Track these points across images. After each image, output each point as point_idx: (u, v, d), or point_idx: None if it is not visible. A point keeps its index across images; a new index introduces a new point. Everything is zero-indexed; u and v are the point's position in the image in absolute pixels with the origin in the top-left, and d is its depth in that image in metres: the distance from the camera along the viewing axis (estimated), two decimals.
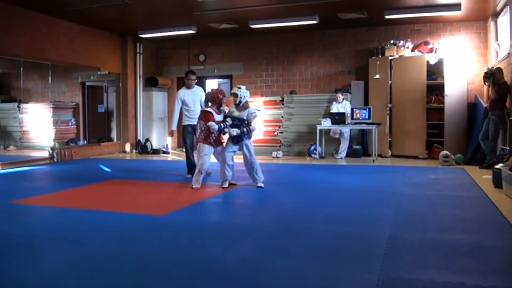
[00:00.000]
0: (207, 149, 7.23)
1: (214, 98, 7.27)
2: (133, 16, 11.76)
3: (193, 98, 8.48)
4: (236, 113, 7.25)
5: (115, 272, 3.49)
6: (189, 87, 8.59)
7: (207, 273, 3.45)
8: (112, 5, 10.19)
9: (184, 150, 8.84)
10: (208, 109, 7.19)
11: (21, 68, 13.11)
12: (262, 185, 7.27)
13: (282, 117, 12.83)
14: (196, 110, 8.30)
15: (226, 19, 11.79)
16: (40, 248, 4.18)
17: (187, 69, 14.52)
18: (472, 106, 11.11)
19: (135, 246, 4.16)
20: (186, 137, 8.48)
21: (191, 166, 8.39)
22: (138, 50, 14.30)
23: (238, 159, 7.62)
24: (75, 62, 12.44)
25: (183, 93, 8.51)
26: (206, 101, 7.46)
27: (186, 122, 8.47)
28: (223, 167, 7.26)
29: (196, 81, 8.79)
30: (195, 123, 7.94)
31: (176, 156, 13.15)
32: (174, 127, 8.70)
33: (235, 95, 7.26)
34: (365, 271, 3.43)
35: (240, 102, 7.27)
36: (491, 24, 10.99)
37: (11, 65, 13.37)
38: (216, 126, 7.03)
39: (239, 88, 7.35)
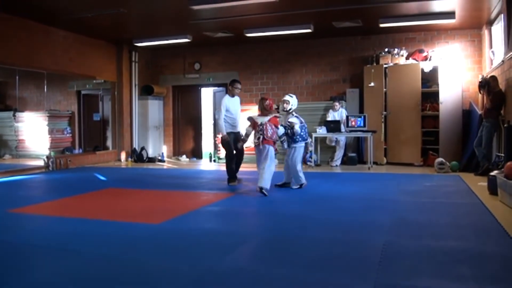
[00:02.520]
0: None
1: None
2: (129, 25, 11.78)
3: (235, 106, 8.55)
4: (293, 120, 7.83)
5: (111, 280, 3.48)
6: (233, 95, 8.59)
7: (203, 282, 3.45)
8: (108, 14, 10.20)
9: (225, 157, 8.77)
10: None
11: (17, 77, 13.10)
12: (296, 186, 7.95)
13: None
14: (237, 119, 8.53)
15: (221, 27, 11.82)
16: (36, 257, 4.17)
17: (182, 78, 14.72)
18: (467, 113, 11.14)
19: (130, 254, 4.16)
20: (230, 143, 8.42)
21: (233, 173, 8.50)
22: (133, 59, 14.31)
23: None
24: (71, 70, 12.44)
25: (228, 100, 8.46)
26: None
27: (228, 129, 8.41)
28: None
29: (240, 90, 8.86)
30: (236, 131, 8.47)
31: (171, 164, 13.13)
32: (225, 131, 8.38)
33: (286, 101, 7.91)
34: (361, 279, 3.43)
35: (290, 109, 7.92)
36: (485, 32, 11.06)
37: (7, 74, 13.35)
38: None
39: (291, 96, 8.04)
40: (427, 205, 6.41)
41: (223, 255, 4.12)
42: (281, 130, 7.60)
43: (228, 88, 8.79)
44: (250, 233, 4.98)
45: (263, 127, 7.34)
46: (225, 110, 8.34)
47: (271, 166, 7.45)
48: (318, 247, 4.34)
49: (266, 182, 7.19)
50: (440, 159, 10.27)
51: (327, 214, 5.89)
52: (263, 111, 7.63)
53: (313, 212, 6.05)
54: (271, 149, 7.49)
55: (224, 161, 8.94)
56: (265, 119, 7.45)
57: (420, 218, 5.55)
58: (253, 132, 7.64)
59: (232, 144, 8.40)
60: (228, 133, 8.36)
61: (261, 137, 7.33)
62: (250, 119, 7.76)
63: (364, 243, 4.44)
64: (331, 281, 3.41)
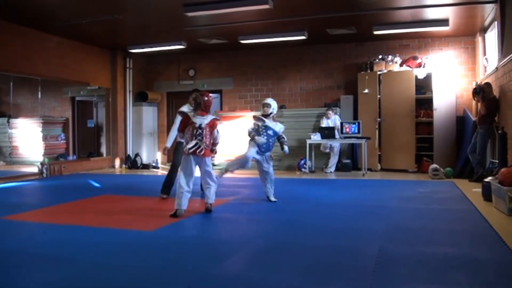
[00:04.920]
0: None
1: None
2: (123, 31, 11.78)
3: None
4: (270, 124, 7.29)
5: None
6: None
7: None
8: (102, 20, 10.20)
9: (170, 166, 8.14)
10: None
11: (11, 83, 13.05)
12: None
13: None
14: None
15: (216, 34, 11.84)
16: (30, 264, 4.14)
17: (177, 84, 14.72)
18: (461, 120, 11.18)
19: (124, 262, 4.14)
20: (180, 153, 7.55)
21: (170, 185, 7.83)
22: (128, 65, 14.31)
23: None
24: (65, 77, 12.42)
25: (186, 109, 7.53)
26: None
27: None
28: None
29: None
30: None
31: (166, 171, 13.06)
32: (169, 144, 7.88)
33: (268, 105, 7.32)
34: (356, 285, 3.43)
35: (271, 113, 7.35)
36: (479, 39, 11.11)
37: (1, 80, 13.29)
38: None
39: (272, 100, 7.46)
40: (422, 211, 6.42)
41: (217, 262, 4.11)
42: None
43: (189, 96, 7.82)
44: (245, 240, 4.96)
45: (202, 131, 6.13)
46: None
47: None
48: (312, 254, 4.32)
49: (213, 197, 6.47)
50: (434, 166, 10.29)
51: (321, 221, 5.88)
52: (201, 109, 6.31)
53: (307, 219, 6.04)
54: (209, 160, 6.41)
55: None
56: (205, 120, 6.22)
57: (414, 224, 5.56)
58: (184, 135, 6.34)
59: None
60: (182, 143, 7.21)
61: (200, 144, 6.10)
62: (182, 113, 6.61)
63: (358, 249, 4.44)
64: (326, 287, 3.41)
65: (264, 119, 7.26)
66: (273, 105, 7.37)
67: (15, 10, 9.60)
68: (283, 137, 7.52)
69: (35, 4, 9.27)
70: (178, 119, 7.48)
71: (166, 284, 3.56)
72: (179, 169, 6.23)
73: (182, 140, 6.93)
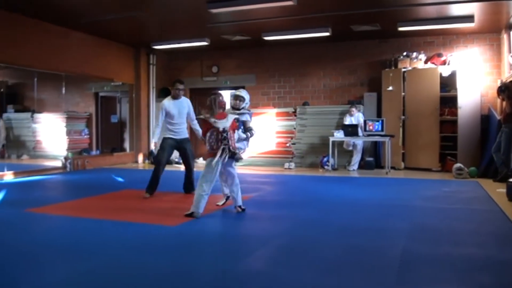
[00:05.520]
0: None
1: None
2: (147, 28, 11.83)
3: (179, 110, 7.58)
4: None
5: (127, 282, 3.49)
6: (175, 97, 7.63)
7: (219, 285, 3.44)
8: (126, 17, 10.27)
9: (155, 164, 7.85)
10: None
11: (35, 79, 13.24)
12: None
13: (295, 128, 12.82)
14: (181, 124, 7.64)
15: (239, 31, 11.83)
16: (52, 257, 4.20)
17: (200, 81, 14.75)
18: (485, 118, 11.03)
19: (146, 256, 4.16)
20: (165, 150, 7.59)
21: (155, 184, 7.59)
22: (151, 62, 14.38)
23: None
24: (89, 73, 12.54)
25: (167, 103, 7.56)
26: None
27: (167, 134, 7.63)
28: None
29: (183, 91, 7.83)
30: (179, 137, 7.60)
31: None
32: (156, 139, 7.78)
33: (241, 98, 6.69)
34: (380, 285, 3.40)
35: (243, 107, 6.73)
36: (504, 36, 10.93)
37: (25, 76, 13.50)
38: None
39: (245, 91, 6.82)
40: (446, 211, 6.35)
41: (239, 258, 4.11)
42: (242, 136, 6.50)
43: (170, 90, 7.62)
44: (267, 237, 4.95)
45: (227, 134, 5.91)
46: (163, 114, 7.54)
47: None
48: (335, 252, 4.31)
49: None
50: (458, 165, 10.18)
51: (344, 219, 5.85)
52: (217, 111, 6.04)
53: (330, 217, 6.02)
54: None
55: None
56: (227, 123, 5.96)
57: (438, 224, 5.50)
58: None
59: (167, 150, 7.60)
60: (166, 138, 7.60)
61: (226, 148, 5.90)
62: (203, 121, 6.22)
63: (382, 249, 4.40)
64: (349, 287, 3.38)
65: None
66: (246, 98, 6.74)
67: (41, 7, 9.71)
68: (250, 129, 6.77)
69: (60, 1, 9.36)
70: (161, 113, 7.52)
71: (187, 279, 3.58)
72: (203, 172, 6.03)
73: (169, 135, 7.35)
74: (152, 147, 7.98)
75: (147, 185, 7.59)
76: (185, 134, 7.74)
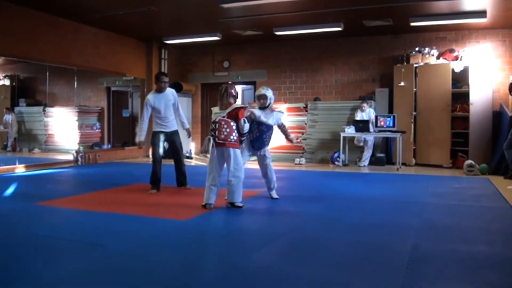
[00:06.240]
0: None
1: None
2: (159, 22, 11.87)
3: (165, 103, 7.54)
4: (263, 118, 6.54)
5: (136, 276, 3.51)
6: (160, 91, 7.56)
7: (228, 280, 3.45)
8: (138, 12, 10.30)
9: (152, 160, 7.84)
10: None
11: (47, 73, 13.29)
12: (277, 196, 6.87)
13: (306, 124, 12.82)
14: (169, 117, 7.61)
15: (250, 26, 11.83)
16: (63, 250, 4.23)
17: (211, 76, 14.77)
18: (497, 115, 10.96)
19: (156, 250, 4.19)
20: (158, 146, 7.64)
21: (158, 179, 7.64)
22: (163, 56, 14.41)
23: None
24: (101, 67, 12.60)
25: (152, 98, 7.51)
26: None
27: (157, 128, 7.64)
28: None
29: (168, 84, 7.73)
30: (168, 130, 7.63)
31: (199, 161, 13.18)
32: (143, 137, 7.75)
33: (265, 96, 6.58)
34: (388, 282, 3.40)
35: (269, 104, 6.62)
36: None
37: (37, 70, 13.56)
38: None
39: (266, 88, 6.68)
40: (456, 208, 6.33)
41: (248, 253, 4.12)
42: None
43: (155, 83, 7.70)
44: (276, 233, 4.96)
45: (215, 126, 6.00)
46: (148, 110, 7.51)
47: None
48: (344, 249, 4.31)
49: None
50: (469, 161, 10.14)
51: (354, 215, 5.85)
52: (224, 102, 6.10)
53: (339, 213, 6.01)
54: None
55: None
56: (222, 114, 6.02)
57: (448, 221, 5.48)
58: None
59: (160, 145, 7.67)
60: (157, 132, 7.61)
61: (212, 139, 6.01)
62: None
63: (391, 245, 4.39)
64: (357, 283, 3.39)
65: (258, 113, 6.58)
66: (270, 95, 6.64)
67: (53, 2, 9.78)
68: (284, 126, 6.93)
69: None
70: (145, 109, 7.50)
71: (196, 273, 3.60)
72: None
73: (158, 129, 7.47)
74: (138, 147, 8.08)
75: (150, 182, 7.65)
76: (174, 127, 7.75)
